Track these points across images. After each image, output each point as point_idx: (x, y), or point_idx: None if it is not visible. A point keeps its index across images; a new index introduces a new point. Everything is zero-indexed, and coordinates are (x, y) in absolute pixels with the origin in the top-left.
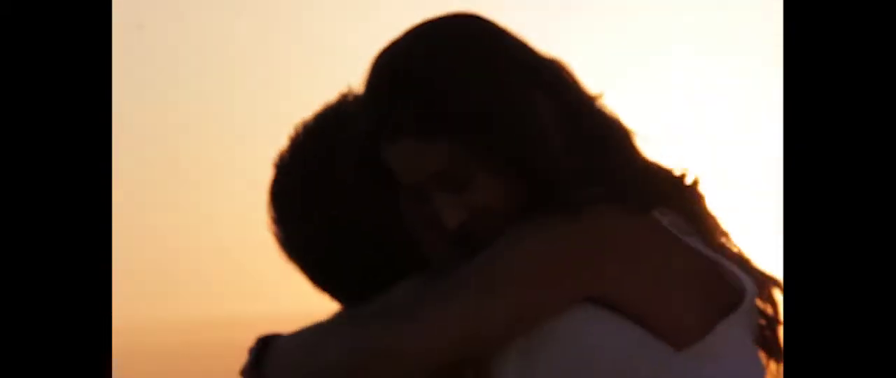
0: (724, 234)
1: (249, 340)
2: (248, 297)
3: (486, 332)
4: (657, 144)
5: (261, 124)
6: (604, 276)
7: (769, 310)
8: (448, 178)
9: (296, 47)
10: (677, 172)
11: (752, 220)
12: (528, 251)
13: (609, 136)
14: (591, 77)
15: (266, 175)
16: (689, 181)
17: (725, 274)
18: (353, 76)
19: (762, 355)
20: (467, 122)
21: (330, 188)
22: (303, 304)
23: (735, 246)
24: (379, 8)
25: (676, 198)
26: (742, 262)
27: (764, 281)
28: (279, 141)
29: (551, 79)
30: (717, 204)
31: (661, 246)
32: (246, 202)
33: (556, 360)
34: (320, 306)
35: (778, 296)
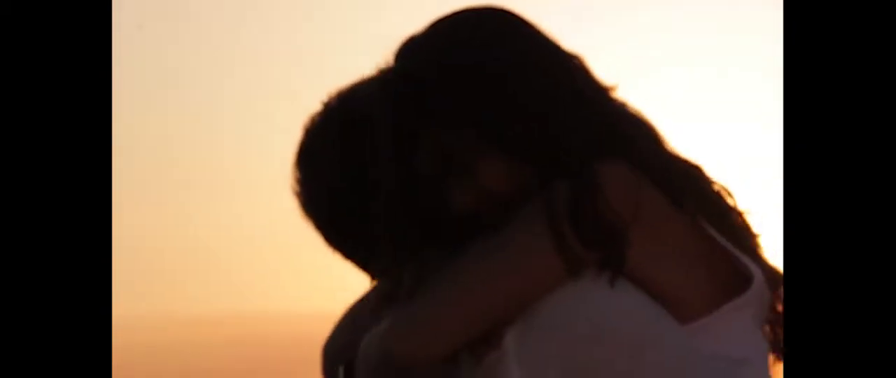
0: (745, 230)
1: (248, 337)
2: (246, 294)
3: (508, 301)
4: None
5: (261, 124)
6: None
7: (780, 307)
8: (459, 162)
9: (296, 47)
10: (700, 168)
11: (751, 221)
12: (539, 218)
13: (631, 129)
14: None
15: (266, 175)
16: (710, 178)
17: (735, 260)
18: (355, 76)
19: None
20: (492, 113)
21: (356, 152)
22: (301, 302)
23: (754, 241)
24: (383, 9)
25: (694, 190)
26: (756, 255)
27: (776, 277)
28: (279, 141)
29: (574, 71)
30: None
31: (671, 219)
32: (246, 201)
33: (557, 320)
34: (318, 304)
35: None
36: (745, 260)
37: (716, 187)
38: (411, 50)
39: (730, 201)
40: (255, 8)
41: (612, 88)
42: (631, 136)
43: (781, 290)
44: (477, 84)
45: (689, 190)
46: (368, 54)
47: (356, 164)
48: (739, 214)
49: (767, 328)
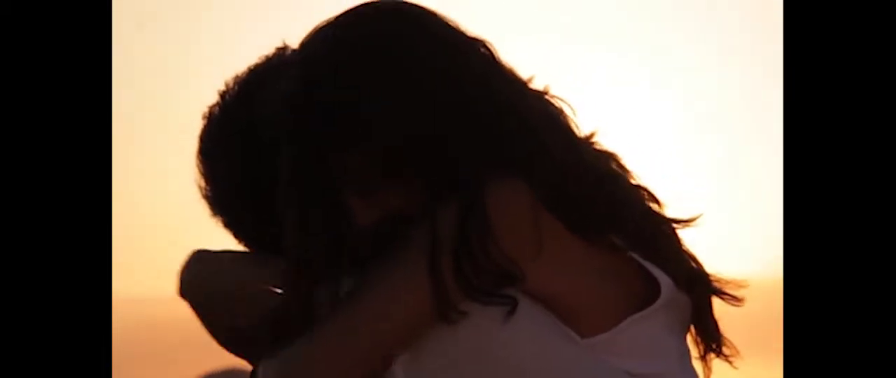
0: (660, 233)
1: None
2: None
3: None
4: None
5: None
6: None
7: (697, 303)
8: (358, 182)
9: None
10: (615, 161)
11: (751, 220)
12: (419, 251)
13: (540, 132)
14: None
15: None
16: (630, 175)
17: (642, 272)
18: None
19: (699, 345)
20: (385, 132)
21: (255, 158)
22: None
23: (672, 244)
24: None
25: (604, 200)
26: (675, 258)
27: (696, 276)
28: None
29: (481, 67)
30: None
31: (568, 240)
32: None
33: (442, 348)
34: None
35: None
36: (654, 269)
37: (631, 183)
38: (311, 56)
39: (645, 201)
40: (256, 8)
41: (526, 81)
42: (538, 141)
43: (703, 288)
44: (372, 99)
45: (598, 201)
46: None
47: (255, 169)
48: (655, 216)
49: (694, 330)
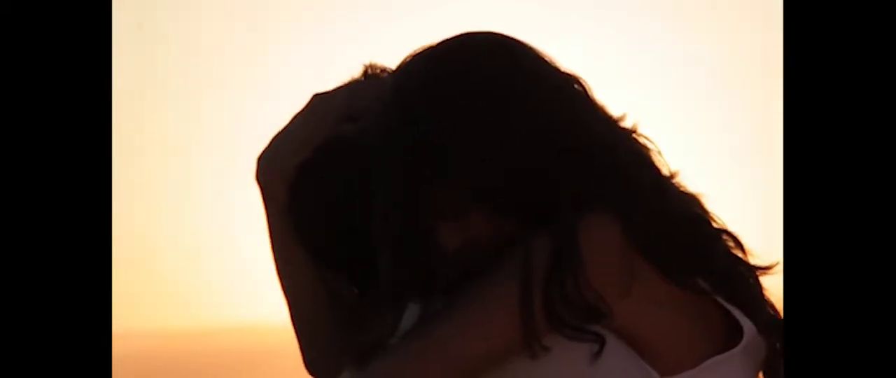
0: (742, 277)
1: (246, 347)
2: (246, 303)
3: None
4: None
5: (261, 125)
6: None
7: (771, 350)
8: (448, 209)
9: (296, 47)
10: (699, 204)
11: (751, 220)
12: (512, 281)
13: (631, 168)
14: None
15: None
16: (713, 219)
17: (726, 313)
18: (353, 76)
19: None
20: (478, 166)
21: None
22: None
23: (753, 288)
24: (380, 9)
25: (690, 242)
26: (756, 302)
27: (774, 323)
28: None
29: (574, 103)
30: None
31: (656, 278)
32: (245, 204)
33: (527, 372)
34: None
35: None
36: (737, 313)
37: (716, 227)
38: (406, 88)
39: (728, 244)
40: (256, 8)
41: (618, 119)
42: (630, 180)
43: (777, 336)
44: (465, 134)
45: (686, 244)
46: (368, 55)
47: (351, 192)
48: (738, 261)
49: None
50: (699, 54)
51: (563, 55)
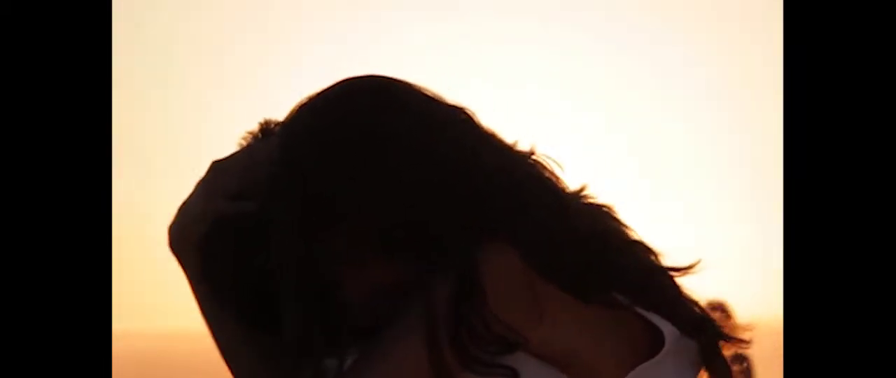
0: (659, 283)
1: None
2: None
3: None
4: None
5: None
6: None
7: (704, 347)
8: (347, 260)
9: (295, 47)
10: (609, 216)
11: (751, 220)
12: (417, 326)
13: (527, 193)
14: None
15: None
16: (625, 229)
17: (646, 323)
18: (352, 75)
19: None
20: (356, 219)
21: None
22: None
23: (672, 292)
24: (378, 8)
25: (596, 260)
26: (676, 305)
27: (700, 322)
28: None
29: (463, 138)
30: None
31: (566, 300)
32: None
33: None
34: None
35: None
36: (656, 319)
37: (627, 238)
38: (290, 142)
39: (642, 254)
40: (256, 8)
41: (512, 145)
42: (524, 206)
43: (710, 332)
44: (352, 184)
45: (590, 265)
46: (367, 55)
47: (257, 253)
48: (653, 267)
49: (706, 373)
50: (699, 57)
51: (564, 58)
